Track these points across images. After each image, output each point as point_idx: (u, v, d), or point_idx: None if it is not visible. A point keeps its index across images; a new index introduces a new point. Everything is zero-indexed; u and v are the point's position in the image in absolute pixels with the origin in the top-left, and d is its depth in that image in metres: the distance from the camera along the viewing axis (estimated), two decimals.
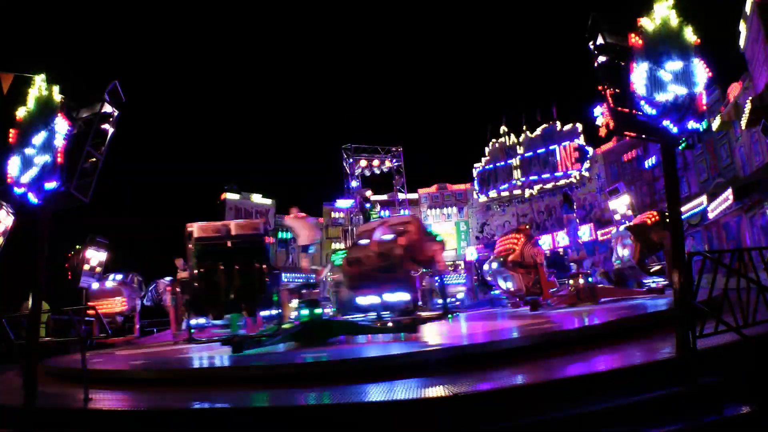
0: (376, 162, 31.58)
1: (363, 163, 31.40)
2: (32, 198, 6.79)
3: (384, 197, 33.78)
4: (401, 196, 33.65)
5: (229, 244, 11.31)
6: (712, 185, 21.17)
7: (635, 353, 6.08)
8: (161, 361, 9.98)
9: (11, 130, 7.15)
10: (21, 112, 7.16)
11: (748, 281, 5.87)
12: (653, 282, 15.31)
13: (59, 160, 6.67)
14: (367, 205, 15.71)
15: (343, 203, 34.37)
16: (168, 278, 18.75)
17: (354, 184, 32.16)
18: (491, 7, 64.36)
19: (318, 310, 10.30)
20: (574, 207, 29.20)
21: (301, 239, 15.45)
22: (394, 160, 32.49)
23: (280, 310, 12.64)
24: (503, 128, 33.59)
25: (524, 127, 32.73)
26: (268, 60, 63.54)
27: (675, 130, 5.80)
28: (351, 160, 31.63)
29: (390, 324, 10.72)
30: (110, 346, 17.18)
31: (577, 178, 30.73)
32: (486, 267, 17.06)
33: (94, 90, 7.05)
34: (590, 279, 15.04)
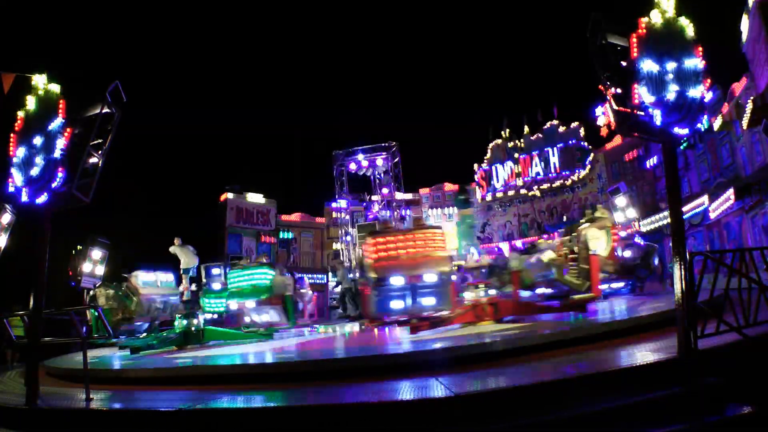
0: (365, 162, 31.35)
1: (353, 166, 31.27)
2: (33, 198, 6.80)
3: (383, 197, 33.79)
4: (399, 195, 33.58)
5: None
6: (713, 185, 21.14)
7: (636, 353, 6.07)
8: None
9: (12, 130, 7.16)
10: (22, 112, 7.17)
11: (750, 281, 5.86)
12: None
13: (60, 160, 6.68)
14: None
15: (342, 203, 34.42)
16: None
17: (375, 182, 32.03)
18: (493, 7, 64.31)
19: (195, 321, 12.77)
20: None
21: (183, 264, 18.03)
22: (391, 158, 32.24)
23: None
24: (504, 128, 33.60)
25: (525, 127, 32.73)
26: (269, 59, 63.55)
27: (676, 130, 5.79)
28: (342, 163, 31.49)
29: (252, 330, 13.61)
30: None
31: (579, 177, 30.73)
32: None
33: (95, 90, 7.05)
34: (492, 291, 11.43)
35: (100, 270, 18.67)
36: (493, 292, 11.24)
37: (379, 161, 31.49)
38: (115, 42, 51.35)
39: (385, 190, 31.58)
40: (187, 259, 17.96)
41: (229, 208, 31.23)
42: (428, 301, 10.51)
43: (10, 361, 13.77)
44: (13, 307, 9.70)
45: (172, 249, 17.97)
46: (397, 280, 10.59)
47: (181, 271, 18.01)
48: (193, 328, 12.63)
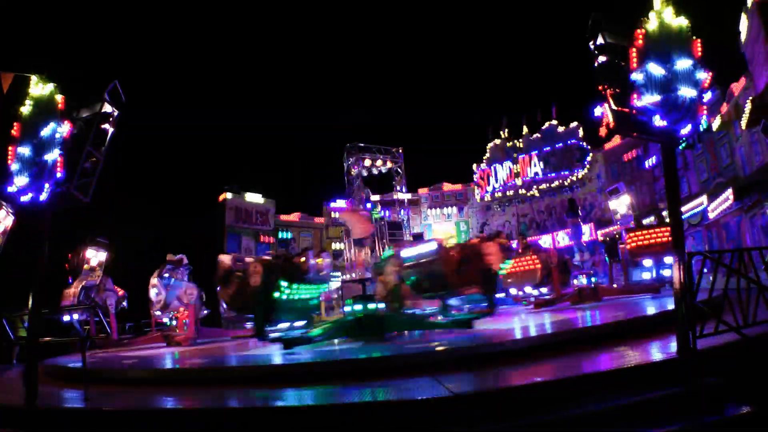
0: (379, 162, 31.70)
1: (367, 162, 31.48)
2: (32, 198, 6.79)
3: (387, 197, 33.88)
4: (401, 196, 33.69)
5: None
6: (712, 185, 21.15)
7: (636, 353, 6.08)
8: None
9: (12, 130, 7.15)
10: (21, 112, 7.16)
11: (749, 281, 5.87)
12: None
13: (59, 160, 6.67)
14: None
15: (341, 203, 34.38)
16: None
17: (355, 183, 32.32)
18: (492, 8, 64.33)
19: (372, 305, 9.91)
20: (579, 212, 29.42)
21: (355, 233, 15.24)
22: (395, 162, 32.58)
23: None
24: (503, 128, 33.60)
25: (524, 127, 32.74)
26: (269, 59, 63.54)
27: (675, 130, 5.80)
28: (352, 159, 31.66)
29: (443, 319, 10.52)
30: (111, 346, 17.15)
31: (578, 178, 30.74)
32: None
33: (94, 90, 7.05)
34: (594, 279, 16.40)
35: (100, 270, 18.69)
36: (594, 279, 16.53)
37: (388, 163, 31.82)
38: (114, 42, 51.33)
39: (368, 192, 31.72)
40: (363, 225, 15.04)
41: (228, 208, 31.15)
42: (543, 290, 16.75)
43: (15, 359, 13.70)
44: (12, 307, 9.73)
45: (341, 216, 15.23)
46: (514, 291, 17.73)
47: (353, 242, 15.11)
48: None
